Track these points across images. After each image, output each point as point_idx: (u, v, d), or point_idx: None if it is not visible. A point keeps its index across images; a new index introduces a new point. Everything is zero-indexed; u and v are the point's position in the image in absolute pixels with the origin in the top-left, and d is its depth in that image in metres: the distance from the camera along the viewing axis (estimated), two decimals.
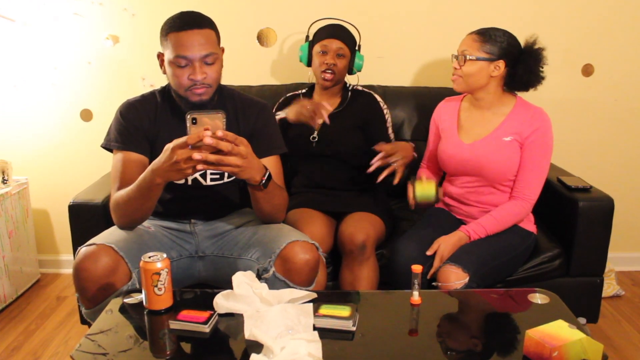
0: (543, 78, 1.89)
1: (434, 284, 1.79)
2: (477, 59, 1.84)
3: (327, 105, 1.96)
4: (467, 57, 1.84)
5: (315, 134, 2.13)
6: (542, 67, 1.88)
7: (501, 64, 1.84)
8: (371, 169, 1.90)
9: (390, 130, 2.20)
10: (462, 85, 1.90)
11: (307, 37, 2.28)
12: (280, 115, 2.10)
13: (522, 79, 1.87)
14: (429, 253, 1.83)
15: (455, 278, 1.73)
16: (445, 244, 1.82)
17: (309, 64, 2.21)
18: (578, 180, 2.14)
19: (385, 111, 2.20)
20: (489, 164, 1.89)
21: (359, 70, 2.24)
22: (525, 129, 1.87)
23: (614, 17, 2.55)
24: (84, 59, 2.59)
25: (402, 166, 1.91)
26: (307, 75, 2.39)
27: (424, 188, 1.86)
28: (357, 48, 2.21)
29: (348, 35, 2.16)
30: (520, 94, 1.96)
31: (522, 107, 1.91)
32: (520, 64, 1.86)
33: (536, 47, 1.87)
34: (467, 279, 1.72)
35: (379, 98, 2.23)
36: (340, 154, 2.13)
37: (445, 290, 1.70)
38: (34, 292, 2.64)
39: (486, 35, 1.85)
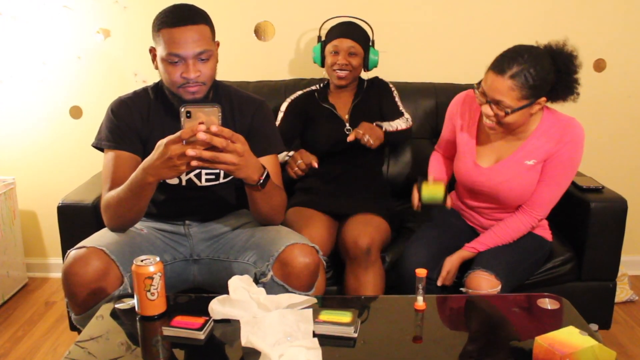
0: (579, 84, 1.71)
1: (462, 289, 1.76)
2: (520, 109, 1.65)
3: (314, 163, 2.07)
4: (508, 111, 1.64)
5: (348, 126, 2.18)
6: (578, 72, 1.70)
7: (542, 100, 1.68)
8: (350, 138, 2.04)
9: (397, 101, 2.27)
10: (501, 131, 1.75)
11: (319, 37, 2.33)
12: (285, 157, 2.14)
13: (563, 97, 1.71)
14: (439, 284, 1.82)
15: (488, 285, 1.69)
16: (454, 268, 1.82)
17: (323, 65, 2.26)
18: (590, 180, 2.14)
19: (392, 88, 2.30)
20: (506, 191, 1.81)
21: (375, 66, 2.28)
22: (553, 147, 1.74)
23: (627, 10, 2.55)
24: (74, 53, 2.59)
25: (373, 141, 2.04)
26: (306, 71, 2.39)
27: (430, 190, 1.84)
28: (370, 44, 2.25)
29: (360, 33, 2.19)
30: None
31: (550, 121, 1.77)
32: (560, 85, 1.68)
33: (566, 52, 1.69)
34: (499, 287, 1.70)
35: (384, 80, 2.33)
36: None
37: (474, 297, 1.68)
38: (21, 297, 2.64)
39: (520, 78, 1.61)
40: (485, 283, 1.70)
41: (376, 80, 2.31)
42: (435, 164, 2.09)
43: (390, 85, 2.31)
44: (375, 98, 2.26)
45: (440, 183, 1.85)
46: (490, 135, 1.84)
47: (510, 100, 1.63)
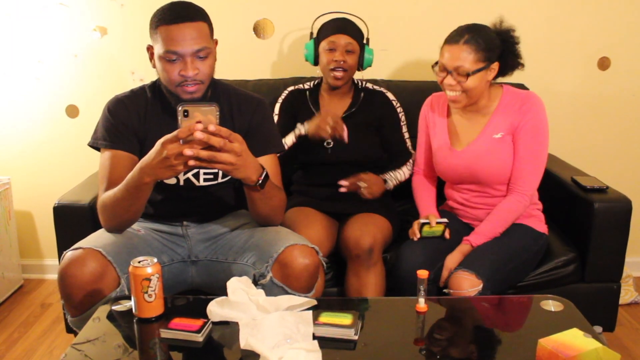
0: (521, 57, 1.92)
1: (445, 290, 1.78)
2: (478, 71, 1.80)
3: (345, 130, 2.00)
4: (469, 73, 1.79)
5: (329, 139, 2.07)
6: (518, 45, 1.89)
7: (496, 65, 1.84)
8: (342, 189, 2.02)
9: (404, 130, 2.22)
10: (465, 101, 1.86)
11: (312, 33, 2.28)
12: (300, 130, 2.08)
13: (512, 67, 1.89)
14: (442, 284, 1.83)
15: (469, 285, 1.72)
16: (456, 265, 1.82)
17: (315, 63, 2.20)
18: (594, 180, 2.14)
19: (399, 110, 2.22)
20: (482, 168, 1.89)
21: (369, 65, 2.23)
22: (515, 118, 1.86)
23: (631, 7, 2.55)
24: (70, 51, 2.59)
25: (368, 195, 2.02)
26: (307, 69, 2.39)
27: (431, 230, 1.90)
28: (365, 42, 2.20)
29: (356, 29, 2.15)
30: (516, 84, 1.97)
31: (510, 96, 1.91)
32: (506, 53, 1.86)
33: (505, 27, 1.88)
34: (480, 286, 1.72)
35: (391, 96, 2.23)
36: (356, 159, 2.12)
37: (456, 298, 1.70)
38: (16, 299, 2.64)
39: (472, 42, 1.79)
40: (466, 283, 1.72)
41: (378, 94, 2.21)
42: (423, 195, 2.08)
43: (395, 102, 2.21)
44: (373, 113, 2.17)
45: (440, 225, 1.90)
46: (456, 121, 1.97)
47: (468, 64, 1.79)
